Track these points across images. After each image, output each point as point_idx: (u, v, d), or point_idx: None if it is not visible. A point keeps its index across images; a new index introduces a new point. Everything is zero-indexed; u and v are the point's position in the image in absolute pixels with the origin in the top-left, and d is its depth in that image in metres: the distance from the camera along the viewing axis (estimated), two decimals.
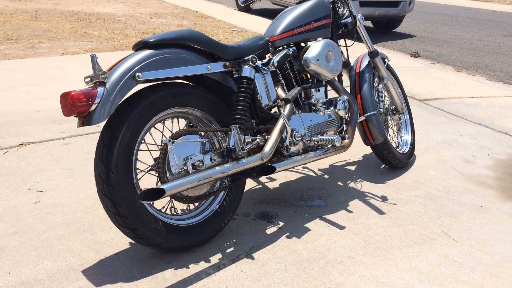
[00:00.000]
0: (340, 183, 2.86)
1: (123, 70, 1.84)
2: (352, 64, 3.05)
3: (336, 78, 2.67)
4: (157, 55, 1.93)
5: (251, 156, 2.10)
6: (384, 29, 9.48)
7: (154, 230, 1.90)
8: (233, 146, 2.05)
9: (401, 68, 5.97)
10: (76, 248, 2.05)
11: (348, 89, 2.83)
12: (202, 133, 2.10)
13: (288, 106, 2.28)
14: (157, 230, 1.91)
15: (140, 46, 1.96)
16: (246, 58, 2.18)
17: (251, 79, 2.17)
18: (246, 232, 2.26)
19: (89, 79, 1.83)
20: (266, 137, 2.21)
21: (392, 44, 8.11)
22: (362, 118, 2.78)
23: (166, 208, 2.09)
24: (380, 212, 2.52)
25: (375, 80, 3.01)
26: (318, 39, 2.54)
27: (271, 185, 2.78)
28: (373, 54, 2.92)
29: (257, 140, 2.23)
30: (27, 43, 6.44)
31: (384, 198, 2.68)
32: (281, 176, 2.90)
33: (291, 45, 2.51)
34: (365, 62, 2.97)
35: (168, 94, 1.96)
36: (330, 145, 2.39)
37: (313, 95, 2.48)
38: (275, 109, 2.34)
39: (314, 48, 2.43)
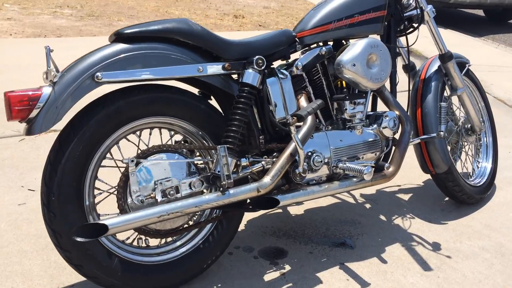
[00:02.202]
0: (382, 217, 2.28)
1: (80, 69, 1.47)
2: (418, 68, 2.42)
3: (385, 87, 2.08)
4: (130, 50, 1.53)
5: (243, 186, 1.64)
6: (498, 20, 8.25)
7: (106, 269, 1.54)
8: (218, 172, 1.61)
9: (508, 68, 5.02)
10: (32, 272, 1.75)
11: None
12: (184, 152, 1.68)
13: (307, 122, 1.78)
14: (109, 268, 1.54)
15: (114, 38, 1.58)
16: (252, 59, 1.70)
17: (253, 87, 1.69)
18: (239, 274, 1.82)
19: (45, 76, 1.49)
20: (275, 160, 1.74)
21: (504, 38, 6.97)
22: (416, 140, 2.17)
23: (134, 239, 1.71)
24: (425, 267, 1.93)
25: (444, 90, 2.35)
26: (365, 37, 1.97)
27: (294, 210, 2.29)
28: (445, 58, 2.27)
29: (262, 163, 1.76)
30: (106, 21, 6.42)
31: (436, 247, 2.07)
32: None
33: (327, 43, 1.97)
34: (434, 67, 2.33)
35: (141, 100, 1.56)
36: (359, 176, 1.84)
37: (347, 108, 1.93)
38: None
39: (352, 48, 1.87)
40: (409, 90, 2.24)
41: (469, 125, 2.46)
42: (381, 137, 2.03)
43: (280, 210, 2.28)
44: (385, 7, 2.02)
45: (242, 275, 1.82)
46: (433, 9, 2.20)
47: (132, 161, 1.50)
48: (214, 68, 1.66)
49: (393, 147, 2.05)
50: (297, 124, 1.84)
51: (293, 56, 1.94)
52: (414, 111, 2.28)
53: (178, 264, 1.68)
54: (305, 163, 1.77)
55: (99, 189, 1.62)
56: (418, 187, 2.62)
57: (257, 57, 1.69)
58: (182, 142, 1.77)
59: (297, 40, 1.91)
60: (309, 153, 1.82)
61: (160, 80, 1.58)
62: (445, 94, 2.36)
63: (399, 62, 2.29)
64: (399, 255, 2.00)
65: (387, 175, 1.99)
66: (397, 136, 2.07)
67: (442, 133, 2.10)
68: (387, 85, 2.12)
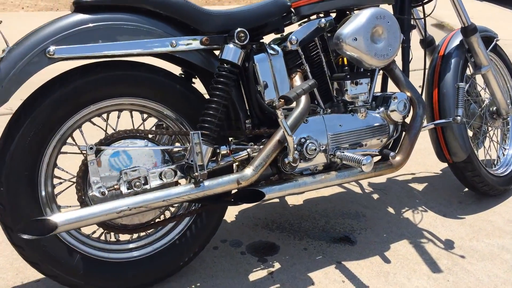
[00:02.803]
0: (390, 210, 2.06)
1: (30, 43, 1.28)
2: (437, 43, 2.14)
3: (396, 65, 1.83)
4: (90, 22, 1.34)
5: (221, 177, 1.44)
6: None
7: (65, 267, 1.38)
8: (192, 161, 1.42)
9: None
10: None
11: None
12: (152, 137, 1.49)
13: (300, 105, 1.56)
14: (70, 266, 1.39)
15: (74, 8, 1.39)
16: (233, 32, 1.48)
17: (234, 64, 1.48)
18: (221, 272, 1.64)
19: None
20: (262, 147, 1.54)
21: None
22: (430, 125, 1.92)
23: (102, 233, 1.54)
24: (434, 268, 1.71)
25: (467, 68, 2.08)
26: (370, 6, 1.71)
27: (292, 200, 2.10)
28: (468, 31, 1.99)
29: (248, 150, 1.57)
30: None
31: (448, 245, 1.84)
32: None
33: (328, 14, 1.73)
34: (455, 42, 2.05)
35: (103, 79, 1.37)
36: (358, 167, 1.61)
37: (347, 89, 1.70)
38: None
39: (354, 20, 1.62)
40: (424, 68, 1.98)
41: (494, 108, 2.18)
42: (389, 122, 1.79)
43: (276, 200, 2.09)
44: None
45: (225, 273, 1.64)
46: None
47: (91, 148, 1.32)
48: (190, 43, 1.45)
49: (403, 133, 1.82)
50: (290, 107, 1.63)
51: (289, 29, 1.71)
52: (430, 92, 2.02)
53: (151, 261, 1.52)
54: (296, 151, 1.55)
55: (60, 178, 1.46)
56: (435, 175, 2.37)
57: (238, 29, 1.47)
58: (157, 127, 1.58)
59: (293, 10, 1.67)
60: (302, 140, 1.61)
61: (124, 56, 1.39)
62: (467, 72, 2.09)
63: (415, 36, 2.03)
64: (405, 254, 1.78)
65: (393, 165, 1.76)
66: (408, 120, 1.83)
67: (458, 118, 1.84)
68: (399, 63, 1.87)
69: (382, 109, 1.78)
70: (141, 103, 1.46)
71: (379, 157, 1.82)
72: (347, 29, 1.60)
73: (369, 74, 1.73)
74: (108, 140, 1.38)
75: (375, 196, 2.16)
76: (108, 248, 1.49)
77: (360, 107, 1.72)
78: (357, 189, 2.21)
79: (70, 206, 1.42)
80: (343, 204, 2.07)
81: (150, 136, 1.44)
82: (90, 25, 1.33)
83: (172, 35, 1.44)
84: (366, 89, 1.72)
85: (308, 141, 1.61)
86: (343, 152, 1.62)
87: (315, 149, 1.61)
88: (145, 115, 1.53)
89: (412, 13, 1.99)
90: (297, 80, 1.65)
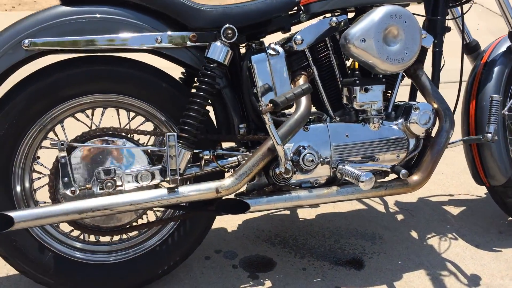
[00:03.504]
0: (413, 234, 1.83)
1: (7, 35, 1.27)
2: (483, 49, 1.88)
3: (423, 71, 1.62)
4: (72, 14, 1.30)
5: (198, 184, 1.34)
6: None
7: (35, 264, 1.36)
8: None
9: None
10: None
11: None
12: (134, 137, 1.42)
13: (298, 110, 1.42)
14: (39, 263, 1.36)
15: (60, 2, 1.35)
16: (221, 29, 1.37)
17: (220, 64, 1.37)
18: (205, 285, 1.53)
19: None
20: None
21: None
22: (457, 142, 1.68)
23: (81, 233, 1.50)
24: None
25: None
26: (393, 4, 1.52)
27: (304, 213, 1.94)
28: None
29: (238, 157, 1.45)
30: None
31: (474, 281, 1.59)
32: None
33: (343, 13, 1.56)
34: (501, 48, 1.79)
35: (83, 73, 1.33)
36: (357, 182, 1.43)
37: (356, 96, 1.52)
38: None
39: (365, 19, 1.44)
40: (461, 77, 1.73)
41: None
42: (409, 135, 1.58)
43: (287, 212, 1.94)
44: None
45: (209, 286, 1.54)
46: None
47: (62, 144, 1.28)
48: (177, 39, 1.37)
49: (422, 149, 1.60)
50: (289, 111, 1.50)
51: (297, 28, 1.57)
52: (467, 104, 1.78)
53: (128, 266, 1.45)
54: (290, 162, 1.41)
55: (40, 173, 1.44)
56: (477, 199, 2.09)
57: (226, 26, 1.36)
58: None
59: (302, 8, 1.53)
60: (301, 149, 1.47)
61: (107, 51, 1.34)
62: None
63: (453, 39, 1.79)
64: (418, 286, 1.56)
65: (409, 184, 1.55)
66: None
67: (489, 135, 1.58)
68: (429, 69, 1.66)
69: (401, 120, 1.58)
70: (125, 100, 1.40)
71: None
72: (356, 28, 1.43)
73: (384, 80, 1.54)
74: (84, 138, 1.33)
75: (400, 216, 1.94)
76: (85, 248, 1.44)
77: (373, 116, 1.53)
78: (380, 207, 2.00)
79: (46, 202, 1.39)
80: (359, 223, 1.88)
81: (128, 135, 1.38)
82: (72, 17, 1.30)
83: (159, 30, 1.36)
84: (380, 97, 1.53)
85: (306, 151, 1.46)
86: (345, 166, 1.45)
87: (313, 161, 1.46)
88: (132, 114, 1.47)
89: (451, 12, 1.76)
90: (301, 83, 1.50)
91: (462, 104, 1.79)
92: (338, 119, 1.56)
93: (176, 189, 1.31)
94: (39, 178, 1.44)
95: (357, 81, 1.50)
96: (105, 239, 1.50)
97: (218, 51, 1.36)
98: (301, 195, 1.46)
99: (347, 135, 1.52)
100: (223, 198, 1.40)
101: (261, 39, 1.52)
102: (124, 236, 1.50)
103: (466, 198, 2.09)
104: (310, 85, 1.37)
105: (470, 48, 1.89)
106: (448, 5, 1.67)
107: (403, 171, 1.51)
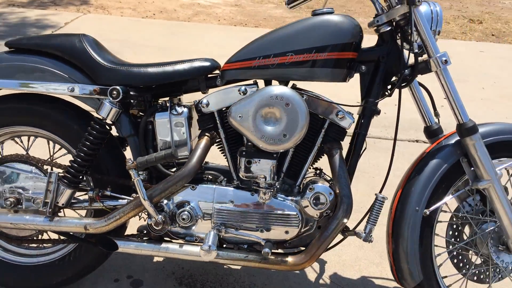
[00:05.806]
0: None
1: None
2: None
3: (340, 148, 1.56)
4: (6, 60, 1.60)
5: (70, 218, 1.56)
6: None
7: None
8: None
9: None
10: None
11: None
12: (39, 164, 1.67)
13: (185, 168, 1.51)
14: None
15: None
16: (109, 88, 1.54)
17: (102, 121, 1.55)
18: None
19: None
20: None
21: None
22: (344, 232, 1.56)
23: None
24: None
25: (459, 178, 1.59)
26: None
27: None
28: (463, 130, 1.52)
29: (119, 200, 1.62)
30: None
31: None
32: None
33: (256, 82, 1.59)
34: (449, 141, 1.60)
35: (8, 109, 1.64)
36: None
37: (241, 167, 1.53)
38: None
39: (248, 96, 1.47)
40: (389, 168, 1.60)
41: (503, 237, 1.60)
42: (304, 213, 1.55)
43: None
44: (353, 47, 1.49)
45: None
46: (446, 56, 1.49)
47: None
48: (85, 90, 1.58)
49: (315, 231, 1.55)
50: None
51: None
52: (399, 188, 1.63)
53: (30, 271, 1.72)
54: (160, 216, 1.52)
55: None
56: None
57: (112, 87, 1.53)
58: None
59: (219, 73, 1.61)
60: (184, 204, 1.56)
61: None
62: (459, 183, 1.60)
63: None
64: None
65: (288, 263, 1.53)
66: None
67: (364, 234, 1.44)
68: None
69: (298, 197, 1.56)
70: (43, 133, 1.66)
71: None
72: (238, 104, 1.47)
73: (275, 155, 1.53)
74: (2, 161, 1.64)
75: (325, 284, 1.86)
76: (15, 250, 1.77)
77: (263, 188, 1.54)
78: (314, 274, 1.93)
79: None
80: (280, 283, 1.87)
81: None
82: (7, 63, 1.60)
83: (75, 81, 1.59)
84: (267, 171, 1.52)
85: (185, 208, 1.55)
86: (218, 230, 1.52)
87: (189, 219, 1.54)
88: (55, 145, 1.74)
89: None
90: (201, 144, 1.58)
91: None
92: (236, 183, 1.61)
93: (49, 218, 1.55)
94: None
95: (244, 153, 1.53)
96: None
97: (105, 108, 1.55)
98: (169, 247, 1.56)
99: (231, 201, 1.56)
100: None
101: (174, 98, 1.64)
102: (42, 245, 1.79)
103: None
104: (176, 151, 1.46)
105: (429, 132, 1.71)
106: (382, 88, 1.56)
107: (265, 249, 1.49)
